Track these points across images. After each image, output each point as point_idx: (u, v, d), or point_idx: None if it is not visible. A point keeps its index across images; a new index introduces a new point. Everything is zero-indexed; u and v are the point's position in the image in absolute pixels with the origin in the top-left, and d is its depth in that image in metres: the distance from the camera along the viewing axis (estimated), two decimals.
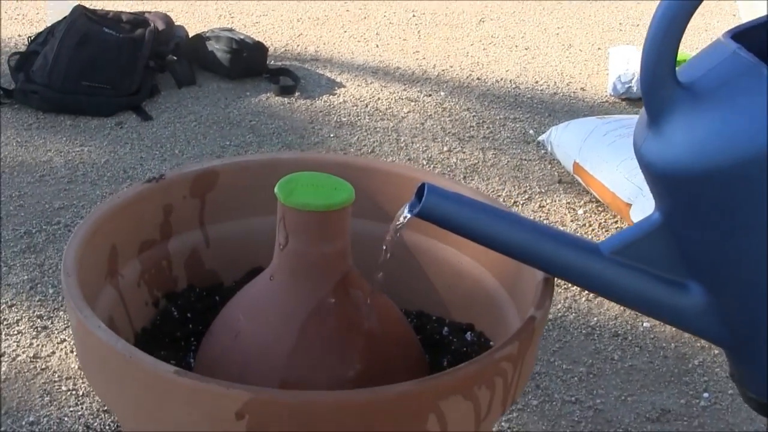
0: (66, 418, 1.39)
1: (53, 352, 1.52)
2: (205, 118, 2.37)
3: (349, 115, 2.40)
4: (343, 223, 0.99)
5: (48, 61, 2.36)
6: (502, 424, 1.40)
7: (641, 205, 1.84)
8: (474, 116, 2.43)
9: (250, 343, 0.98)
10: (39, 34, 2.49)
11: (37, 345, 1.53)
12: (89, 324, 0.89)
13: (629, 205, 1.88)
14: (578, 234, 1.91)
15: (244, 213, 1.21)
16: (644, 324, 1.65)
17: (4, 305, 1.62)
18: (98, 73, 2.37)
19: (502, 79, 2.69)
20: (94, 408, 1.40)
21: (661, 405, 1.47)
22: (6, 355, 1.51)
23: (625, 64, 2.57)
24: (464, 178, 2.12)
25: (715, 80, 0.80)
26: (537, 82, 2.69)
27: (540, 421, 1.42)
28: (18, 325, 1.57)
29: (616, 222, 1.95)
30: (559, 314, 1.66)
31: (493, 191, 2.05)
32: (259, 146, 2.23)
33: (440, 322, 1.18)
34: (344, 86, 2.58)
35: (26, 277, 1.69)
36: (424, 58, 2.82)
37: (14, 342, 1.54)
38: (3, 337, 1.55)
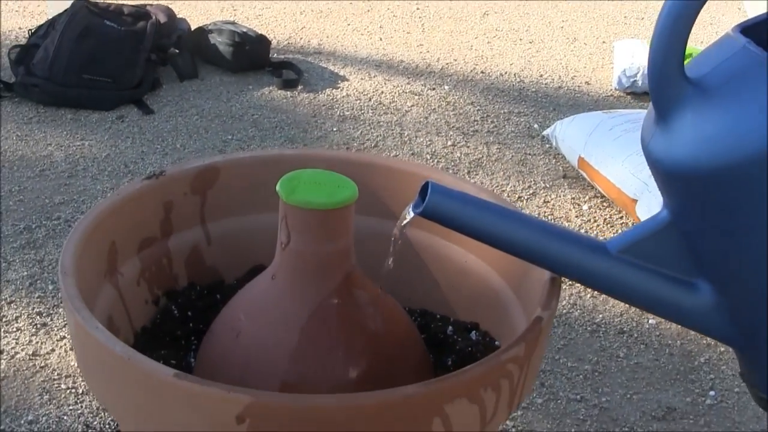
0: (65, 417, 1.37)
1: (53, 350, 1.50)
2: (207, 111, 2.35)
3: (353, 109, 2.39)
4: (346, 221, 0.97)
5: (49, 54, 2.34)
6: (507, 422, 1.39)
7: (647, 200, 1.82)
8: (478, 110, 2.42)
9: (251, 344, 0.97)
10: (40, 27, 2.48)
11: (37, 342, 1.52)
12: (87, 325, 0.88)
13: (635, 201, 1.86)
14: (583, 229, 1.89)
15: (246, 210, 1.19)
16: (650, 321, 1.63)
17: (3, 302, 1.60)
18: (99, 66, 2.35)
19: (506, 73, 2.67)
20: (93, 406, 1.39)
21: (667, 403, 1.45)
22: (5, 353, 1.49)
23: (630, 57, 2.56)
24: (468, 172, 2.10)
25: (724, 75, 0.79)
26: (541, 75, 2.67)
27: (545, 419, 1.41)
28: (17, 322, 1.56)
29: (622, 218, 1.93)
30: (564, 311, 1.64)
31: (498, 186, 2.04)
32: (261, 140, 2.22)
33: (444, 320, 1.17)
34: (347, 80, 2.56)
35: (26, 273, 1.68)
36: (428, 52, 2.80)
37: (13, 339, 1.52)
38: (2, 334, 1.53)
